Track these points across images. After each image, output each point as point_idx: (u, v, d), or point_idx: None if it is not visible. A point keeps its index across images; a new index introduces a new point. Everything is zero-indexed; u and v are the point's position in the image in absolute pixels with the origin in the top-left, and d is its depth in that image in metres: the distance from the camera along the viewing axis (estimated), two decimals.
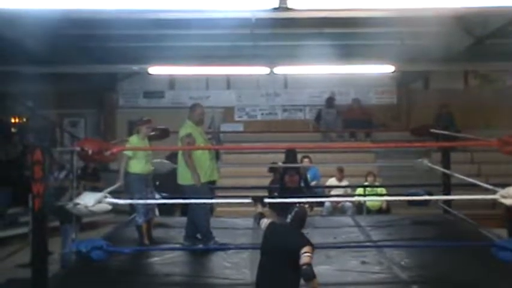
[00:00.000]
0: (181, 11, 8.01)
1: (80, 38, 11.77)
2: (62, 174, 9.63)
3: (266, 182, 10.94)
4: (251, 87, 16.60)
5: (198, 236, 7.78)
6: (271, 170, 10.90)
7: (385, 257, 7.27)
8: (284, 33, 11.66)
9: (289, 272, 4.78)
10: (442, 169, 9.67)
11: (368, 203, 11.98)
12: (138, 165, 7.78)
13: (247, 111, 16.93)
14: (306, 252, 4.71)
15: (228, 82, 16.81)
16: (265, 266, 4.95)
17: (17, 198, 11.39)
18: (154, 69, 12.91)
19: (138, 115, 8.91)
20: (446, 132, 9.69)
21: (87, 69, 13.38)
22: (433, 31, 10.61)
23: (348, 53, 12.73)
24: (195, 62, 12.82)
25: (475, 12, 8.44)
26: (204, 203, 7.59)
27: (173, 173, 8.32)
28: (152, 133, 8.45)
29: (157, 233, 8.44)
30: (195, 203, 7.49)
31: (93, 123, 17.10)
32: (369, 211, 11.96)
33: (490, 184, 6.76)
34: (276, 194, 9.41)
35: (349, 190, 12.40)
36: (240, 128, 16.45)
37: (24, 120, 14.61)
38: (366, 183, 12.16)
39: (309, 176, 10.84)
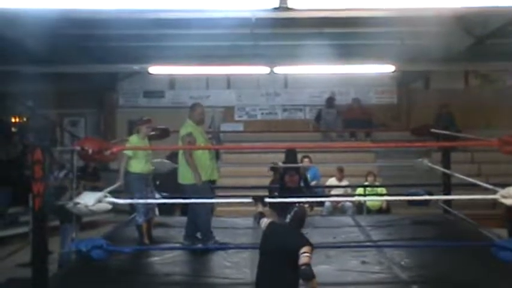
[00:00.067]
0: (181, 11, 8.01)
1: (80, 37, 11.77)
2: (62, 174, 9.62)
3: (266, 181, 10.93)
4: (251, 87, 16.60)
5: (198, 235, 7.78)
6: (272, 169, 10.90)
7: (385, 256, 7.27)
8: (284, 33, 11.65)
9: (288, 272, 4.79)
10: (442, 169, 9.67)
11: (368, 203, 11.98)
12: (138, 165, 7.79)
13: (247, 111, 16.93)
14: (305, 252, 4.72)
15: (228, 82, 16.81)
16: (265, 266, 4.96)
17: (17, 198, 11.38)
18: (155, 69, 12.92)
19: (138, 115, 8.91)
20: (446, 132, 9.69)
21: (87, 69, 13.38)
22: (433, 31, 10.61)
23: (348, 52, 12.74)
24: (195, 61, 12.82)
25: (475, 12, 8.43)
26: (205, 202, 7.59)
27: (173, 173, 8.33)
28: (152, 133, 8.45)
29: (157, 232, 8.44)
30: (196, 202, 7.50)
31: (93, 123, 17.11)
32: (369, 211, 11.96)
33: (490, 184, 6.76)
34: (276, 193, 9.41)
35: (349, 190, 12.39)
36: (240, 127, 16.45)
37: (25, 119, 14.61)
38: (366, 183, 12.15)
39: (309, 175, 10.85)
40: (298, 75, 15.26)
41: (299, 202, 6.02)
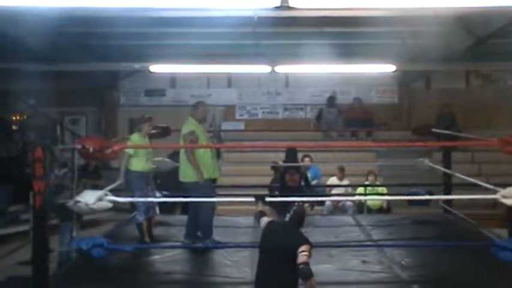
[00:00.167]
0: (183, 9, 8.01)
1: (82, 36, 11.76)
2: (61, 172, 9.62)
3: (267, 180, 10.94)
4: (252, 85, 16.59)
5: (199, 234, 7.79)
6: (273, 168, 10.92)
7: (386, 256, 7.27)
8: (286, 32, 11.65)
9: (287, 271, 4.78)
10: (442, 169, 9.67)
11: (369, 203, 11.97)
12: (139, 163, 7.79)
13: (248, 110, 16.93)
14: (303, 251, 4.71)
15: (229, 80, 16.80)
16: (264, 265, 4.96)
17: (18, 196, 11.38)
18: (156, 68, 12.92)
19: (139, 113, 8.92)
20: (447, 132, 9.69)
21: (88, 67, 13.38)
22: (434, 31, 10.60)
23: (349, 52, 12.73)
24: (196, 60, 12.83)
25: (476, 12, 8.43)
26: (206, 201, 7.59)
27: (174, 171, 8.33)
28: (153, 131, 8.46)
29: (157, 231, 8.45)
30: (197, 201, 7.49)
31: (94, 121, 17.10)
32: (370, 210, 11.95)
33: (491, 184, 6.77)
34: (276, 192, 9.42)
35: (349, 189, 12.39)
36: (241, 126, 16.45)
37: (26, 117, 14.61)
38: (367, 183, 12.15)
39: (309, 175, 10.86)
40: (300, 74, 15.25)
41: (301, 201, 6.02)
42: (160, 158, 9.01)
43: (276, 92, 16.84)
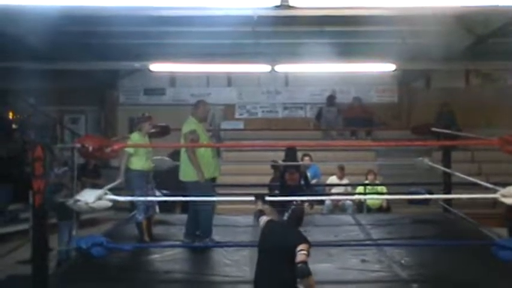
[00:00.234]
0: (182, 8, 8.00)
1: (82, 34, 11.74)
2: (61, 171, 9.60)
3: (266, 179, 10.94)
4: (252, 84, 16.59)
5: (198, 233, 7.78)
6: (272, 167, 10.92)
7: (385, 255, 7.28)
8: (285, 31, 11.63)
9: (286, 270, 4.78)
10: (442, 168, 9.68)
11: (368, 202, 11.99)
12: (138, 162, 7.79)
13: (248, 109, 16.93)
14: (301, 250, 4.70)
15: (229, 80, 16.81)
16: (263, 264, 4.96)
17: (17, 195, 11.38)
18: (155, 67, 12.92)
19: (138, 112, 8.91)
20: (447, 131, 9.70)
21: (88, 66, 13.37)
22: (434, 30, 10.59)
23: (349, 51, 12.72)
24: (196, 59, 12.82)
25: (476, 11, 8.43)
26: (207, 200, 7.59)
27: (174, 171, 8.33)
28: (152, 130, 8.45)
29: (157, 230, 8.46)
30: (197, 200, 7.49)
31: (94, 120, 17.10)
32: (369, 209, 11.96)
33: (491, 183, 6.78)
34: (276, 191, 9.42)
35: (349, 188, 12.40)
36: (241, 125, 16.43)
37: (25, 116, 14.60)
38: (367, 182, 12.16)
39: (309, 174, 10.85)
40: (299, 73, 15.24)
41: (301, 200, 6.02)
42: (159, 157, 9.00)
43: (275, 91, 16.84)
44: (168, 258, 7.23)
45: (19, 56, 11.42)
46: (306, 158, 10.94)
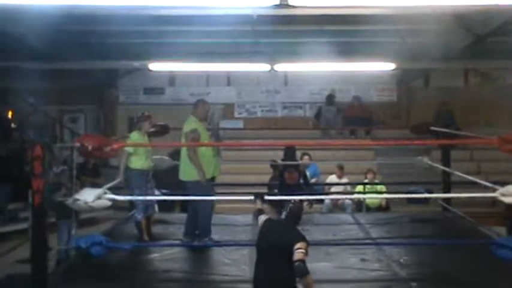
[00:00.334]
0: (182, 8, 8.03)
1: (81, 34, 11.75)
2: (59, 170, 9.59)
3: (266, 178, 10.94)
4: (251, 84, 16.59)
5: (198, 232, 7.78)
6: (272, 166, 10.92)
7: (385, 254, 7.28)
8: (285, 31, 11.64)
9: (285, 269, 4.78)
10: (441, 167, 9.68)
11: (367, 201, 12.00)
12: (138, 161, 7.79)
13: (247, 108, 16.93)
14: (299, 248, 4.70)
15: (228, 79, 16.81)
16: (262, 263, 4.96)
17: (17, 194, 11.36)
18: (155, 66, 12.93)
19: (138, 111, 8.90)
20: (446, 130, 9.70)
21: (87, 65, 13.38)
22: (433, 29, 10.58)
23: (348, 50, 12.72)
24: (195, 58, 12.82)
25: (475, 10, 8.44)
26: (206, 200, 7.58)
27: (173, 170, 8.32)
28: (152, 129, 8.45)
29: (156, 229, 8.45)
30: (197, 200, 7.49)
31: (93, 120, 17.09)
32: (369, 209, 11.98)
33: (490, 182, 6.79)
34: (275, 191, 9.42)
35: (348, 187, 12.40)
36: (240, 124, 16.44)
37: (25, 115, 14.59)
38: (366, 181, 12.16)
39: (308, 173, 10.85)
40: (299, 72, 15.24)
41: (300, 199, 6.03)
42: (159, 156, 9.00)
43: (275, 90, 16.84)
44: (168, 257, 7.23)
45: (18, 55, 11.42)
46: (305, 157, 10.94)
